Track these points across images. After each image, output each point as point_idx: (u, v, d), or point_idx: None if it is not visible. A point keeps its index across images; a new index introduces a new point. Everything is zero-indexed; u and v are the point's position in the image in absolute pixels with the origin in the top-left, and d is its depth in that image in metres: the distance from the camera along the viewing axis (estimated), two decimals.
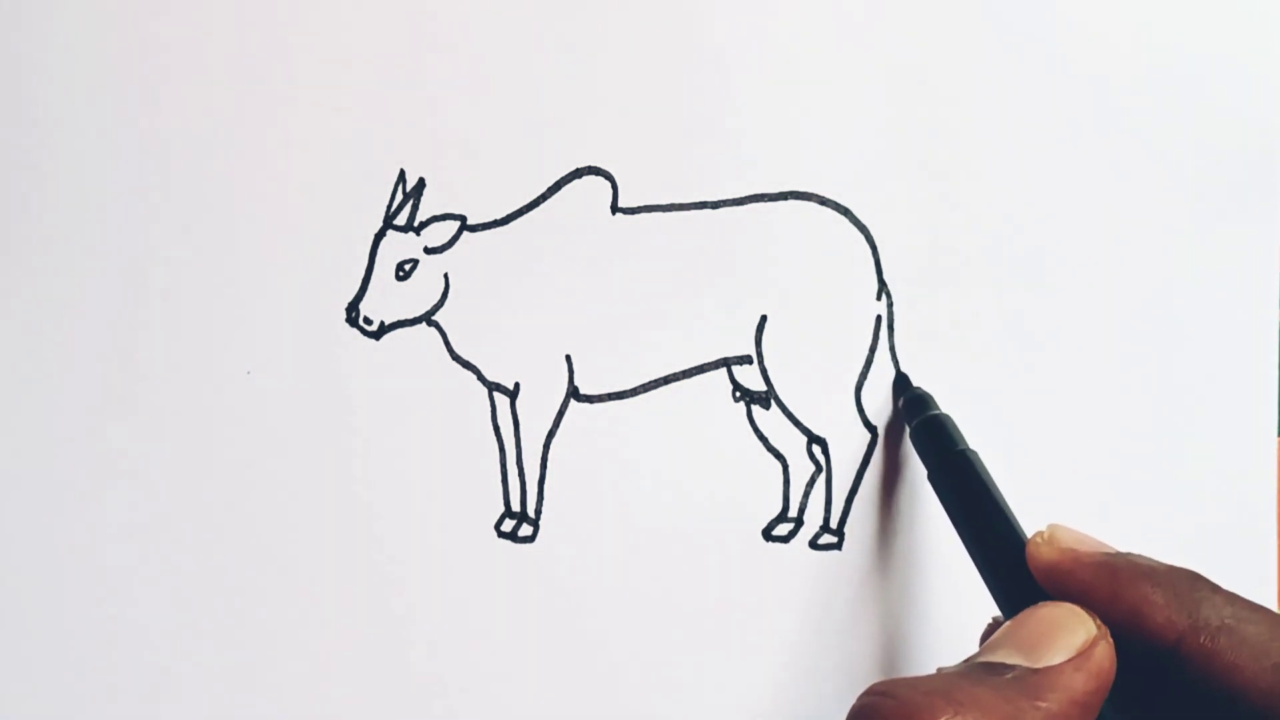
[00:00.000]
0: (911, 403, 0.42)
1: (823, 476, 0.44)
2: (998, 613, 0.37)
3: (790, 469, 0.44)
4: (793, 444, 0.44)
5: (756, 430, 0.44)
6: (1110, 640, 0.30)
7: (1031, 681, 0.29)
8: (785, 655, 0.43)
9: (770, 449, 0.44)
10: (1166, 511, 0.44)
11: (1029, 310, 0.44)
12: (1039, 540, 0.34)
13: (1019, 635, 0.31)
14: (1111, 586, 0.32)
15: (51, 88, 0.44)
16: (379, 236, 0.43)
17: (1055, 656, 0.30)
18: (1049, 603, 0.32)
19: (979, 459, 0.39)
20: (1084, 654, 0.30)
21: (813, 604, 0.43)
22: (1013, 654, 0.30)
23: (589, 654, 0.43)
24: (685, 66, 0.43)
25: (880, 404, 0.44)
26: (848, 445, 0.44)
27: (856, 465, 0.44)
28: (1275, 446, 0.44)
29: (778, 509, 0.44)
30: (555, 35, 0.43)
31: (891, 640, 0.43)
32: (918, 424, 0.41)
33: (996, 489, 0.38)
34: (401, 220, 0.43)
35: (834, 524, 0.44)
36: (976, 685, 0.29)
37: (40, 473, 0.43)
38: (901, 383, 0.43)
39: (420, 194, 0.43)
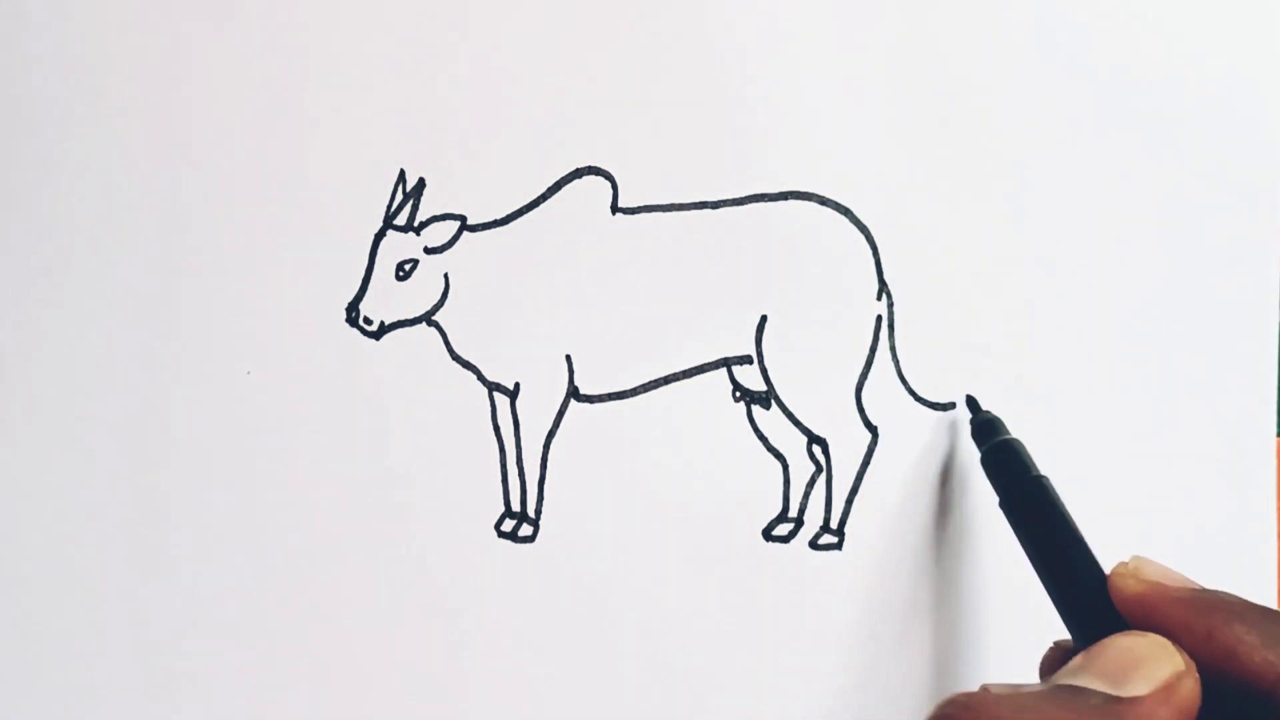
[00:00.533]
0: (981, 427, 0.42)
1: (823, 477, 0.44)
2: (1062, 636, 0.36)
3: (790, 469, 0.44)
4: (793, 444, 0.44)
5: (756, 430, 0.44)
6: (1197, 677, 0.30)
7: (1115, 711, 0.28)
8: (784, 655, 0.43)
9: (770, 449, 0.44)
10: (1166, 511, 0.44)
11: (1029, 310, 0.44)
12: (1123, 571, 0.33)
13: (1102, 662, 0.30)
14: (1205, 624, 0.31)
15: (50, 88, 0.44)
16: (379, 236, 0.43)
17: (1140, 687, 0.29)
18: (1132, 632, 0.31)
19: (1052, 485, 0.38)
20: (1170, 688, 0.29)
21: (813, 604, 0.43)
22: (1095, 680, 0.29)
23: (589, 654, 0.43)
24: (686, 66, 0.43)
25: (881, 404, 0.44)
26: (848, 445, 0.44)
27: (857, 465, 0.44)
28: (1275, 446, 0.44)
29: (778, 509, 0.44)
30: (555, 35, 0.43)
31: (892, 640, 0.43)
32: (989, 449, 0.41)
33: (1070, 517, 0.37)
34: (401, 220, 0.43)
35: (834, 524, 0.44)
36: (1061, 709, 0.28)
37: (38, 472, 0.43)
38: (972, 406, 0.43)
39: (420, 194, 0.43)
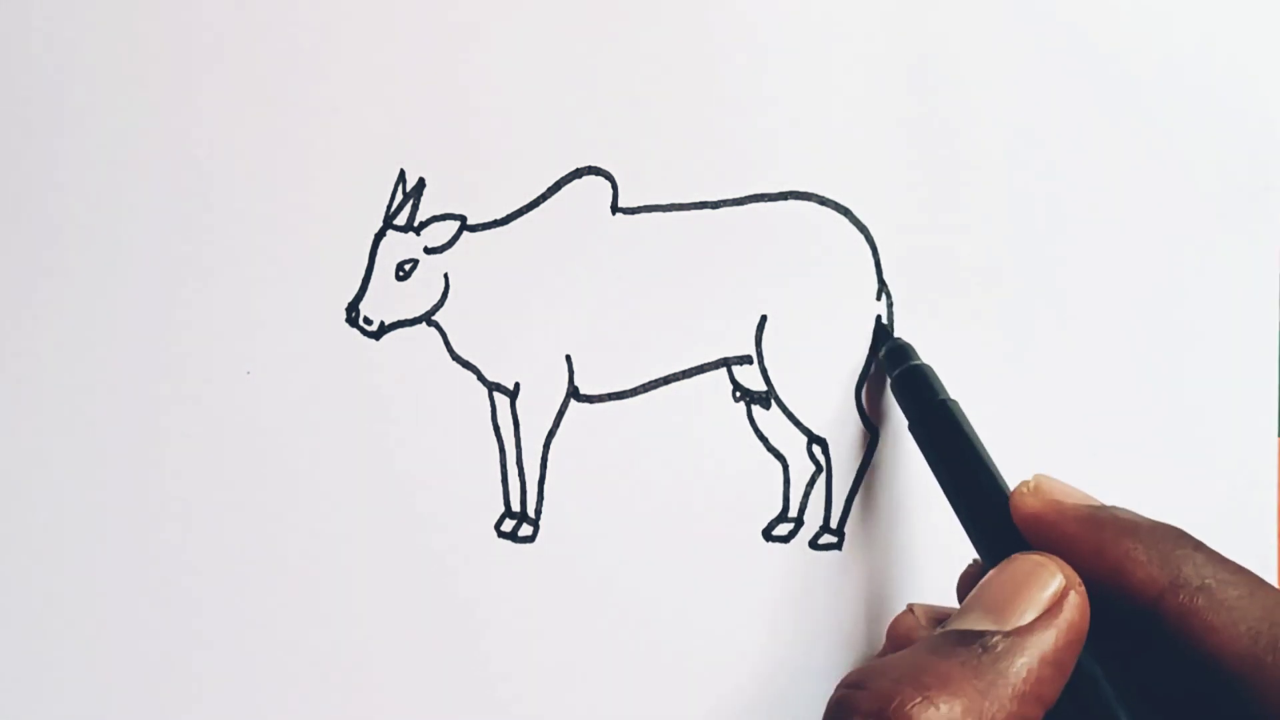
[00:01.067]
0: (893, 353, 0.42)
1: (823, 476, 0.44)
2: (977, 556, 0.36)
3: (790, 469, 0.44)
4: (793, 444, 0.44)
5: (756, 430, 0.44)
6: (1082, 590, 0.30)
7: (1002, 649, 0.29)
8: (785, 655, 0.43)
9: (770, 449, 0.44)
10: (1166, 511, 0.43)
11: (1029, 311, 0.44)
12: (1024, 490, 0.34)
13: (989, 595, 0.31)
14: (1096, 541, 0.31)
15: (50, 88, 0.44)
16: (379, 236, 0.43)
17: (1025, 614, 0.30)
18: (1020, 555, 0.32)
19: (960, 409, 0.39)
20: (1053, 608, 0.30)
21: (813, 604, 0.43)
22: (983, 618, 0.30)
23: (589, 654, 0.43)
24: (685, 66, 0.43)
25: (881, 404, 0.44)
26: (848, 445, 0.44)
27: (857, 465, 0.44)
28: (1275, 446, 0.44)
29: (778, 509, 0.44)
30: (555, 35, 0.43)
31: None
32: (898, 374, 0.41)
33: (979, 440, 0.38)
34: (401, 220, 0.43)
35: (834, 524, 0.44)
36: (945, 661, 0.29)
37: (38, 472, 0.43)
38: (882, 334, 0.43)
39: (420, 194, 0.43)
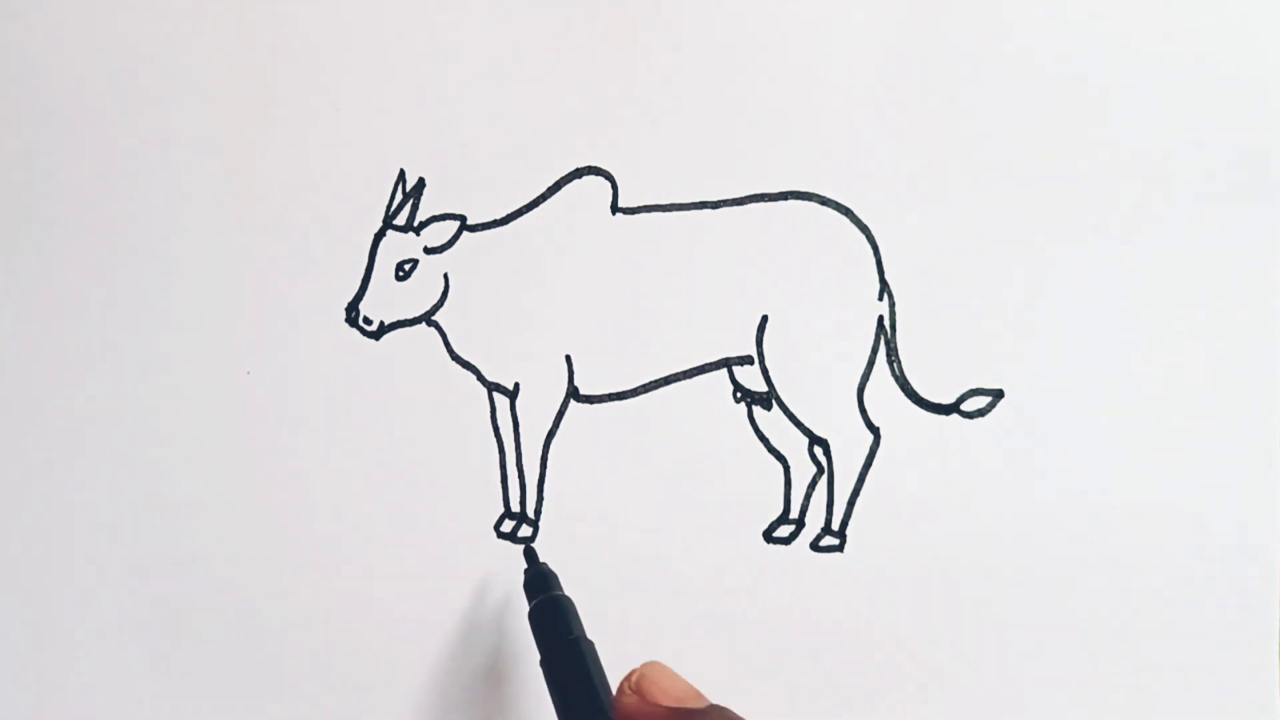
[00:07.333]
0: (533, 581, 0.41)
1: (824, 478, 0.43)
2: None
3: (791, 470, 0.44)
4: (794, 445, 0.44)
5: (757, 431, 0.44)
6: None
7: None
8: (785, 657, 0.43)
9: (771, 450, 0.44)
10: (1167, 511, 0.43)
11: (1030, 311, 0.44)
12: (626, 688, 0.35)
13: None
14: None
15: (51, 86, 0.44)
16: (379, 236, 0.43)
17: None
18: None
19: (594, 650, 0.38)
20: None
21: (813, 606, 0.43)
22: None
23: None
24: (686, 66, 0.44)
25: (883, 405, 0.44)
26: (850, 446, 0.44)
27: (859, 467, 0.43)
28: (1275, 446, 0.44)
29: (779, 510, 0.43)
30: (555, 36, 0.44)
31: (892, 642, 0.43)
32: (536, 605, 0.40)
33: (602, 683, 0.37)
34: (401, 220, 0.43)
35: (835, 526, 0.43)
36: None
37: (39, 472, 0.43)
38: (529, 556, 0.42)
39: (420, 194, 0.43)
